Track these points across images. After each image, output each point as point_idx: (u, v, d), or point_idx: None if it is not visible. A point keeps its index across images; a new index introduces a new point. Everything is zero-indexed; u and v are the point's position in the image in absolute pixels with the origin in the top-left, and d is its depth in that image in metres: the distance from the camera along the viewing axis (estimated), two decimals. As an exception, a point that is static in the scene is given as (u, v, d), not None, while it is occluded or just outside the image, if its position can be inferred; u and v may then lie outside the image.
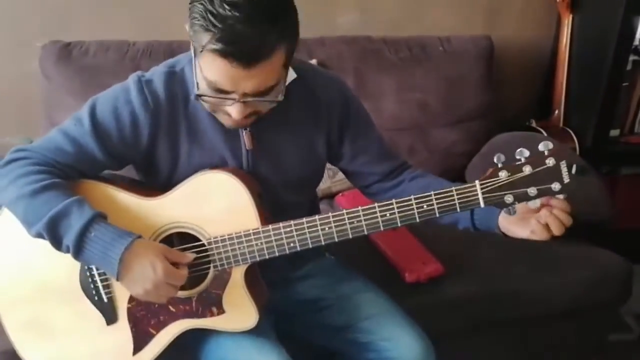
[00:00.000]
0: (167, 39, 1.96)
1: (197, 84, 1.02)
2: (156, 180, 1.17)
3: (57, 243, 1.01)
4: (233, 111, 1.01)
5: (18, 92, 2.03)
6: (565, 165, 0.98)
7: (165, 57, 1.20)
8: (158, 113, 1.11)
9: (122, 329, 1.13)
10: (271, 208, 1.14)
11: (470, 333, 1.60)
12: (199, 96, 1.03)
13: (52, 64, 1.87)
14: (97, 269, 1.11)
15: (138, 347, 1.13)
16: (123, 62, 1.89)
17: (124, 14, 2.05)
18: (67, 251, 1.01)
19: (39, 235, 1.01)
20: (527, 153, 0.99)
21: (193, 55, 1.01)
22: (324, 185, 1.97)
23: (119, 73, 1.18)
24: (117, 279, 1.01)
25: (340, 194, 1.96)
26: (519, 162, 0.99)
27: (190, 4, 0.95)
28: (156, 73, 1.14)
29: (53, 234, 1.00)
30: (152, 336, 1.13)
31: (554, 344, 1.73)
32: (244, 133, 1.14)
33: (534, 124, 2.34)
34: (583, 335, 1.75)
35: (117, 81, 1.15)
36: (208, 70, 0.97)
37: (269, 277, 1.19)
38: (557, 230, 1.02)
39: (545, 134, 2.22)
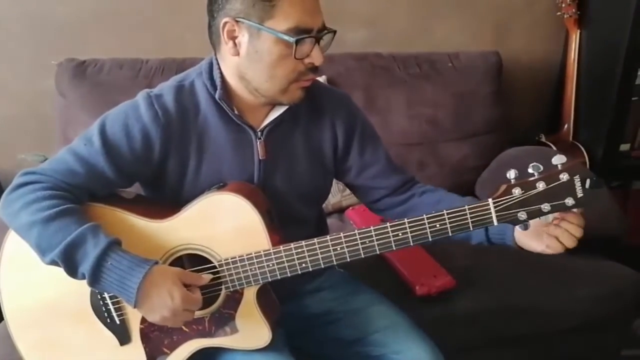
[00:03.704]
0: (180, 57, 1.99)
1: (271, 52, 1.05)
2: (163, 195, 1.17)
3: (72, 271, 1.00)
4: (317, 55, 1.06)
5: (34, 109, 2.07)
6: (579, 179, 0.97)
7: (177, 74, 1.21)
8: (169, 127, 1.11)
9: (136, 349, 1.13)
10: (281, 221, 1.14)
11: (482, 347, 1.60)
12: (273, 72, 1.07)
13: (68, 82, 1.90)
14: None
15: (152, 366, 1.14)
16: (136, 80, 1.92)
17: (138, 32, 2.08)
18: (83, 278, 1.00)
19: (53, 263, 1.00)
20: (541, 168, 0.98)
21: (247, 37, 1.05)
22: (334, 200, 1.99)
23: (132, 90, 1.19)
24: (134, 307, 1.00)
25: (351, 208, 1.97)
26: (532, 178, 0.98)
27: None
28: (165, 88, 1.14)
29: (68, 262, 0.98)
30: (166, 355, 1.13)
31: (566, 358, 1.72)
32: (257, 143, 1.15)
33: (543, 139, 2.34)
34: (595, 349, 1.75)
35: (131, 98, 1.14)
36: (289, 15, 1.02)
37: (279, 292, 1.19)
38: (568, 243, 1.02)
39: (554, 149, 2.23)
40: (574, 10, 2.24)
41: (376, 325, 1.25)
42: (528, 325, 1.60)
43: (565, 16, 2.26)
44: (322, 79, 1.97)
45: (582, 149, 2.26)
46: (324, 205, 1.43)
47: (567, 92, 2.32)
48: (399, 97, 2.07)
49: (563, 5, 2.24)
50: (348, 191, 1.96)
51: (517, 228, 1.04)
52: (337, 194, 1.99)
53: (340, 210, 2.01)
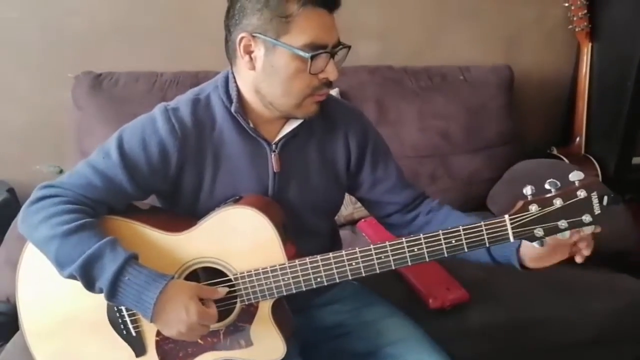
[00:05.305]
0: (194, 70, 2.01)
1: (286, 67, 1.06)
2: (178, 207, 1.18)
3: (90, 286, 1.01)
4: (332, 70, 1.07)
5: (50, 121, 2.10)
6: (596, 197, 0.96)
7: (191, 87, 1.22)
8: (186, 140, 1.12)
9: (151, 360, 1.14)
10: (295, 233, 1.15)
11: (495, 360, 1.60)
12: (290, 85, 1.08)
13: (84, 94, 1.93)
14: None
15: (167, 377, 1.14)
16: (152, 92, 1.94)
17: (153, 46, 2.11)
18: (100, 292, 1.00)
19: (72, 277, 1.00)
20: (558, 184, 0.98)
21: (263, 52, 1.06)
22: (346, 212, 2.00)
23: (148, 102, 1.21)
24: (151, 321, 1.00)
25: (363, 220, 1.98)
26: (550, 195, 0.98)
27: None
28: (182, 101, 1.16)
29: (86, 277, 0.99)
30: (181, 367, 1.14)
31: (578, 373, 1.72)
32: (272, 156, 1.16)
33: (555, 152, 2.34)
34: (608, 363, 1.74)
35: (146, 110, 1.16)
36: (305, 31, 1.03)
37: (292, 304, 1.19)
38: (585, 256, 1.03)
39: (567, 162, 2.23)
40: (585, 23, 2.25)
41: (389, 338, 1.25)
42: (541, 338, 1.59)
43: (577, 29, 2.27)
44: (334, 92, 1.98)
45: (594, 161, 2.26)
46: (336, 217, 1.44)
47: (579, 105, 2.32)
48: (411, 110, 2.08)
49: (575, 18, 2.26)
50: (360, 204, 1.98)
51: (535, 245, 1.02)
52: (349, 206, 2.00)
53: (352, 222, 2.02)
